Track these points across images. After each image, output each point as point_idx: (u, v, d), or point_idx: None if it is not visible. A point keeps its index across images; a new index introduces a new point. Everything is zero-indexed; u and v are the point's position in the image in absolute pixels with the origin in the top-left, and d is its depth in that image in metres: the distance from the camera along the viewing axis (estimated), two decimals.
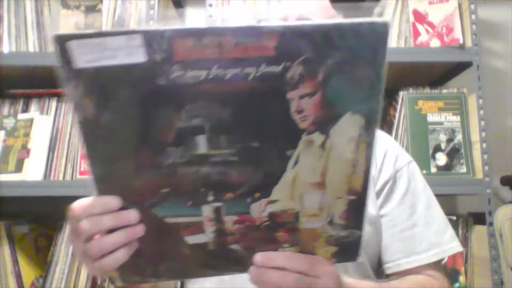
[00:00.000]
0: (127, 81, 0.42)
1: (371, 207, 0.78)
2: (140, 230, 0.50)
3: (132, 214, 0.50)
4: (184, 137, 0.46)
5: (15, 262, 1.26)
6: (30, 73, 1.32)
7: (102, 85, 0.43)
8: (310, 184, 0.49)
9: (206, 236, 0.52)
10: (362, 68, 0.43)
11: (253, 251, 0.53)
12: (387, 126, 1.39)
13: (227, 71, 0.42)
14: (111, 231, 0.50)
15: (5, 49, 1.29)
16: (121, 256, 0.50)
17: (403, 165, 0.83)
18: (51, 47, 1.30)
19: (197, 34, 0.40)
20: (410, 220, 0.80)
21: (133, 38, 0.40)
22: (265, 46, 0.41)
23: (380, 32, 0.41)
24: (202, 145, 0.46)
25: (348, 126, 0.46)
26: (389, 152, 0.84)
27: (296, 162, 0.48)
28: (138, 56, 0.41)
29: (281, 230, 0.52)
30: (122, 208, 0.49)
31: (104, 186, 0.49)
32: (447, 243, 0.80)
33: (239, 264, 0.54)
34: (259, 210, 0.50)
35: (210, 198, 0.50)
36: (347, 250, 0.55)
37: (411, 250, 0.78)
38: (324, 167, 0.48)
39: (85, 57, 0.41)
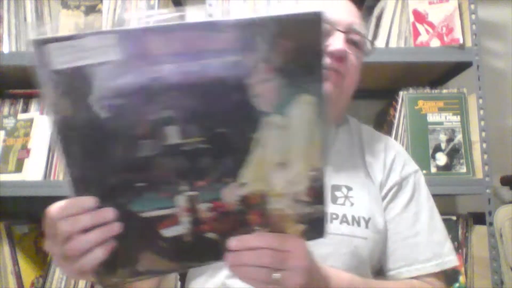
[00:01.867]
0: (101, 79, 0.45)
1: (380, 218, 0.78)
2: (116, 227, 0.51)
3: (108, 212, 0.51)
4: (155, 129, 0.47)
5: (15, 262, 1.26)
6: (30, 73, 1.32)
7: (77, 85, 0.45)
8: (274, 164, 0.51)
9: (182, 227, 0.53)
10: (308, 53, 0.47)
11: (228, 237, 0.54)
12: (387, 126, 1.39)
13: (193, 63, 0.45)
14: (88, 230, 0.51)
15: (5, 49, 1.29)
16: (99, 254, 0.51)
17: (410, 172, 0.84)
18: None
19: (165, 30, 0.44)
20: (413, 229, 0.80)
21: (107, 38, 0.43)
22: (225, 38, 0.45)
23: (315, 21, 0.46)
24: (173, 135, 0.48)
25: (302, 106, 0.49)
26: (397, 158, 0.84)
27: (259, 144, 0.50)
28: (112, 54, 0.44)
29: (252, 213, 0.54)
30: (99, 207, 0.50)
31: (80, 186, 0.50)
32: (447, 255, 0.80)
33: (215, 252, 0.55)
34: (230, 195, 0.52)
35: (183, 188, 0.51)
36: (314, 227, 0.57)
37: (413, 259, 0.78)
38: (286, 146, 0.51)
39: (61, 58, 0.44)
